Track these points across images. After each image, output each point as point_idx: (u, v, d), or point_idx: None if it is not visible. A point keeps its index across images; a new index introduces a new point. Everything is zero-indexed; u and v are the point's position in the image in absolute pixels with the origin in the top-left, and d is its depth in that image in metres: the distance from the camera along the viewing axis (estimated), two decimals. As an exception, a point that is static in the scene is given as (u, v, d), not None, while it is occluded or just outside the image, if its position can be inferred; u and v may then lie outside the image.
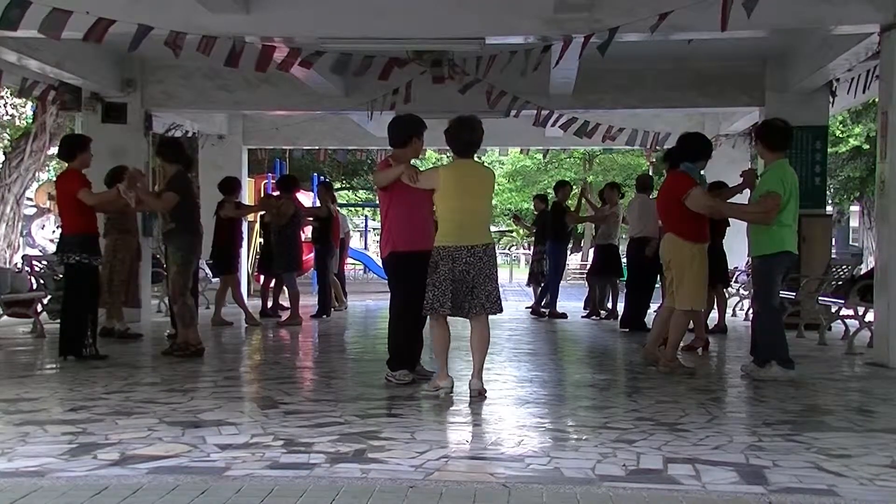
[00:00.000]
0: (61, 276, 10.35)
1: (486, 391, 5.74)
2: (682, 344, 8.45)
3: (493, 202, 47.58)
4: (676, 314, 7.01)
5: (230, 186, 10.78)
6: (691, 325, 7.83)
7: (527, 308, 13.67)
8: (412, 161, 6.29)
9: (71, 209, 7.40)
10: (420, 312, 5.82)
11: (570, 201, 13.31)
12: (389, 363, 6.25)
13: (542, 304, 12.65)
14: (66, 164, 7.71)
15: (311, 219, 12.09)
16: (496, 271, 5.81)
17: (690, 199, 6.73)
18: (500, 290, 5.84)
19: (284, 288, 11.68)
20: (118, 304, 9.26)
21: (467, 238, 5.66)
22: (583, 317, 12.30)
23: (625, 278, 11.44)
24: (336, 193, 16.29)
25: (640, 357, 7.67)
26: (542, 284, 12.97)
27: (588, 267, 12.88)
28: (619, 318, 10.94)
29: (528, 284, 14.67)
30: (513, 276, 27.60)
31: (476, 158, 6.35)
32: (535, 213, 14.51)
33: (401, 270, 6.12)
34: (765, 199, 6.47)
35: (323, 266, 12.09)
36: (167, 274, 8.02)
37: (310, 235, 12.62)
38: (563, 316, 12.22)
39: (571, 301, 13.59)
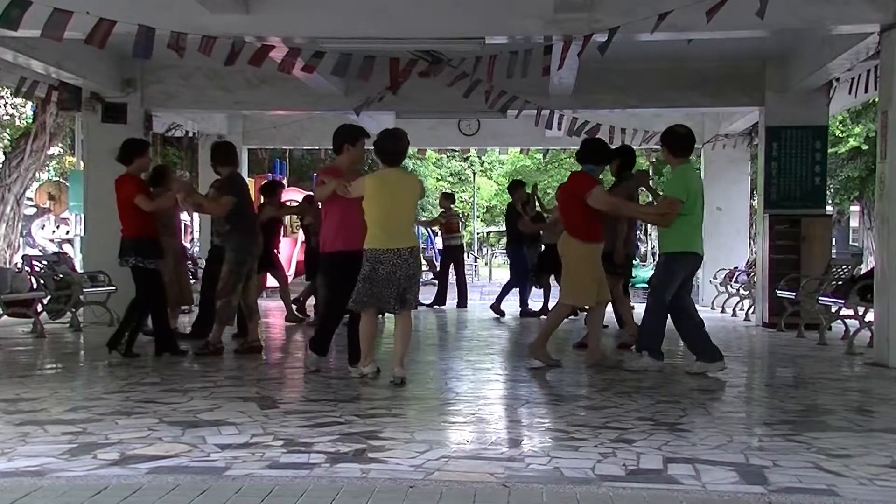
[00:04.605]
0: (61, 276, 10.39)
1: (406, 378, 6.14)
2: (619, 341, 8.57)
3: (494, 202, 47.34)
4: (558, 305, 7.29)
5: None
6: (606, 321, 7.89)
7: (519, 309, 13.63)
8: (351, 165, 6.77)
9: (128, 213, 7.52)
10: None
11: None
12: (349, 359, 6.63)
13: (501, 303, 12.44)
14: (124, 168, 7.70)
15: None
16: (420, 272, 6.41)
17: (593, 198, 6.94)
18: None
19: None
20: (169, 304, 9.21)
21: (393, 241, 6.11)
22: (527, 315, 12.21)
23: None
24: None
25: (528, 352, 7.38)
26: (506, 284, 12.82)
27: (536, 266, 12.31)
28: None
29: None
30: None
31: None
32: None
33: (337, 269, 6.54)
34: (664, 203, 6.75)
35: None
36: (221, 273, 7.92)
37: (304, 238, 12.56)
38: (503, 313, 12.21)
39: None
